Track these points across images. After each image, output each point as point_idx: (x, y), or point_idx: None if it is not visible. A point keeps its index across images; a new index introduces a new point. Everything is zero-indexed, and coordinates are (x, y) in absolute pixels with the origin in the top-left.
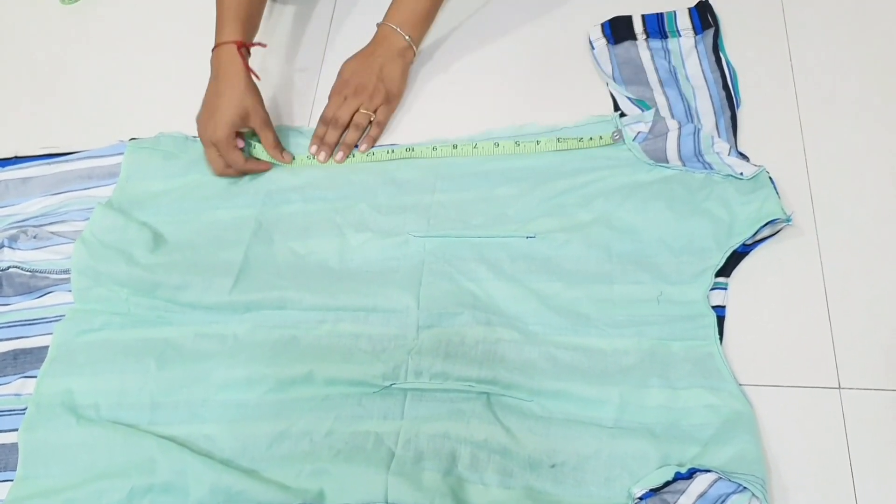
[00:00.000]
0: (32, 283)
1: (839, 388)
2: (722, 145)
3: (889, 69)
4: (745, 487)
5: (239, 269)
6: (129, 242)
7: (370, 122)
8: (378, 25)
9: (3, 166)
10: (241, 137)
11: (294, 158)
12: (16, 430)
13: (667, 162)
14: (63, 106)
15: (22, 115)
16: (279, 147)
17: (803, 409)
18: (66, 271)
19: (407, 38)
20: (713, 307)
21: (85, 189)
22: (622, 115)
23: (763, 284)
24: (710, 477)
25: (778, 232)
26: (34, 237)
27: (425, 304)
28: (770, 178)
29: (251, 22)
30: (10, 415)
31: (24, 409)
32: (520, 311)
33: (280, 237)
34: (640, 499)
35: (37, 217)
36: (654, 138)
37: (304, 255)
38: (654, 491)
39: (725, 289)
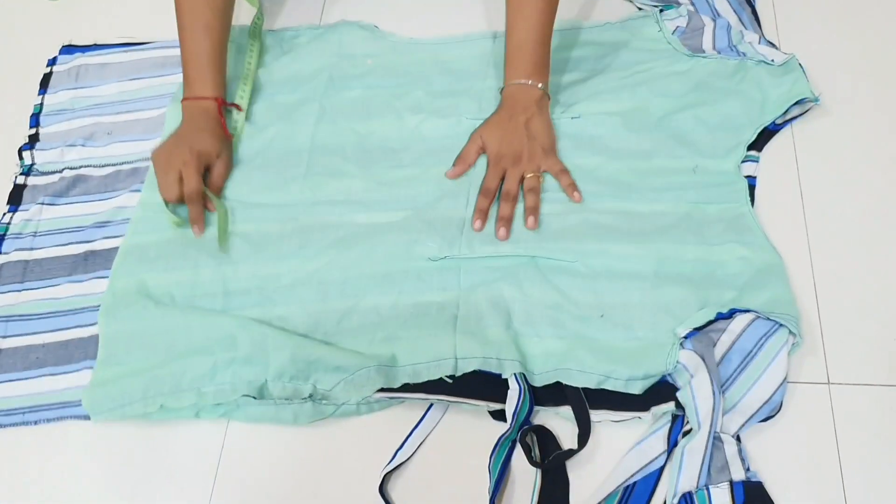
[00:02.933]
0: (105, 185)
1: (828, 383)
2: (751, 36)
3: (882, 65)
4: (781, 325)
5: (308, 154)
6: None
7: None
8: (503, 89)
9: (84, 52)
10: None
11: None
12: (92, 324)
13: (703, 52)
14: None
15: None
16: (219, 192)
17: (793, 405)
18: (139, 162)
19: (539, 86)
20: (745, 177)
21: (158, 76)
22: (662, 10)
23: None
24: (749, 316)
25: (807, 111)
26: (108, 133)
27: (476, 180)
28: (800, 63)
29: (223, 75)
30: (83, 312)
31: (98, 305)
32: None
33: (343, 119)
34: (685, 338)
35: (113, 103)
36: (692, 32)
37: (365, 135)
38: (697, 330)
39: (757, 161)
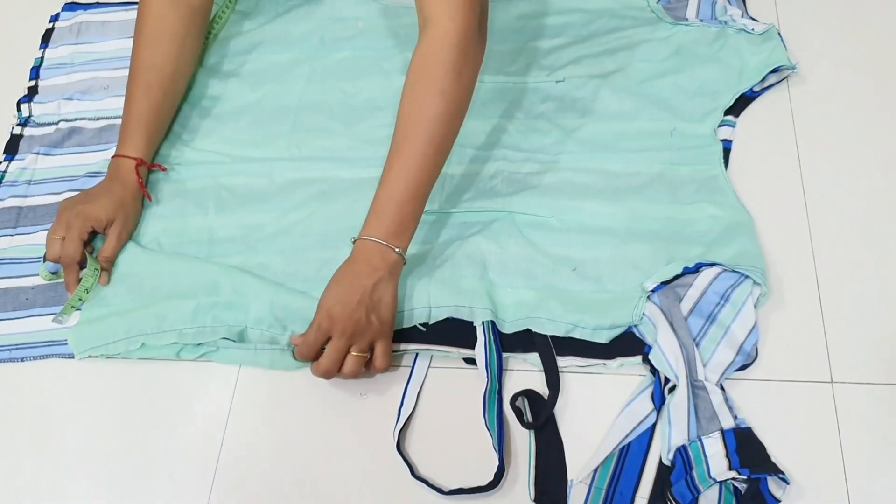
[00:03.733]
0: (98, 137)
1: (831, 382)
2: (734, 11)
3: (886, 61)
4: (746, 276)
5: (295, 112)
6: (196, 97)
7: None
8: (355, 240)
9: (85, 9)
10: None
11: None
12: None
13: (686, 21)
14: None
15: None
16: (108, 263)
17: (796, 403)
18: None
19: (397, 250)
20: (721, 140)
21: None
22: None
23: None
24: (715, 270)
25: (784, 79)
26: (105, 87)
27: (460, 140)
28: (779, 33)
29: (156, 137)
30: None
31: None
32: (545, 143)
33: (331, 79)
34: (653, 291)
35: (111, 59)
36: (676, 2)
37: (352, 94)
38: (665, 284)
39: (733, 126)
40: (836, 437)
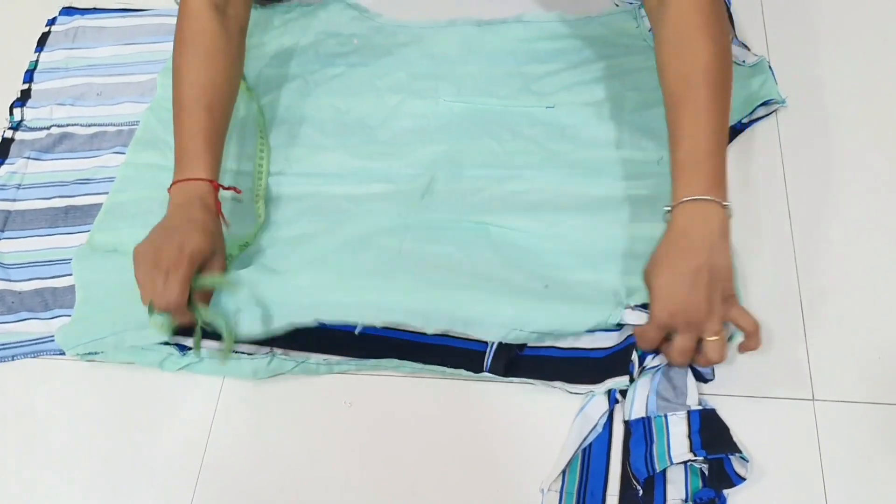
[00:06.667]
0: (89, 143)
1: (813, 399)
2: None
3: (875, 93)
4: None
5: (288, 127)
6: None
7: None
8: (669, 211)
9: (83, 14)
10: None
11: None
12: (67, 275)
13: None
14: None
15: None
16: (209, 299)
17: (777, 420)
18: (124, 125)
19: (725, 203)
20: None
21: (152, 42)
22: (641, 5)
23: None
24: None
25: (773, 113)
26: (98, 94)
27: (448, 157)
28: (769, 65)
29: (220, 159)
30: (60, 263)
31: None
32: (530, 163)
33: (324, 95)
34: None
35: (106, 65)
36: None
37: (344, 112)
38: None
39: None
40: (816, 455)
